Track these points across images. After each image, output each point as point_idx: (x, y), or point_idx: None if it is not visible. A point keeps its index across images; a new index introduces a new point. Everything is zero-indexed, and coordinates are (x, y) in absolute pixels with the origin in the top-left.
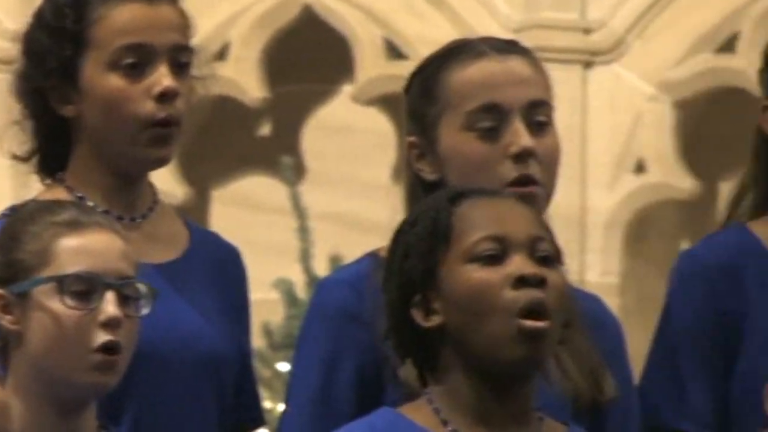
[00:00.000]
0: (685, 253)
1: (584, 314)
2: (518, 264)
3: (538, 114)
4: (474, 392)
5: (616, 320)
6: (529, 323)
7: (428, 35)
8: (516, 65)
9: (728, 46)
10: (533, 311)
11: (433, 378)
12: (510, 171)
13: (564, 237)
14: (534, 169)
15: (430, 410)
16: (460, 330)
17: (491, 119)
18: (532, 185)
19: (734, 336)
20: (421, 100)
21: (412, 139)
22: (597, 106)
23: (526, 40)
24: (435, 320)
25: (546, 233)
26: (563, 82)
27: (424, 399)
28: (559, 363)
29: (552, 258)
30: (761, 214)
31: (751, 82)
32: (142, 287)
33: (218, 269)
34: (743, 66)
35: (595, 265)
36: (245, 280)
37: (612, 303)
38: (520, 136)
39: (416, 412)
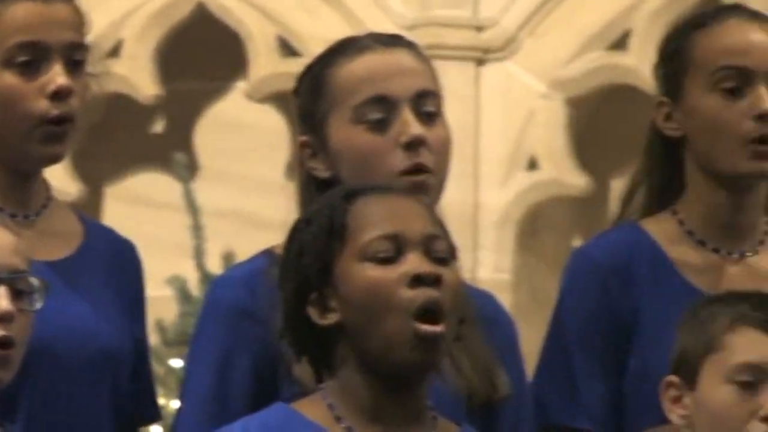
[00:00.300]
0: (577, 251)
1: (477, 312)
2: (414, 263)
3: (426, 104)
4: (368, 390)
5: (509, 317)
6: (424, 327)
7: (322, 33)
8: (401, 57)
9: (620, 43)
10: (429, 311)
11: (328, 375)
12: (402, 160)
13: (457, 234)
14: (426, 158)
15: (325, 406)
16: (356, 328)
17: (380, 111)
18: (424, 173)
19: (626, 334)
20: (310, 98)
21: (303, 138)
22: (489, 103)
23: (420, 38)
24: (331, 318)
25: (441, 230)
26: (456, 79)
27: (319, 395)
28: (453, 361)
29: (447, 256)
30: (653, 211)
31: (642, 79)
32: (34, 281)
33: (114, 264)
34: (635, 63)
35: (487, 262)
36: (141, 274)
37: (504, 300)
38: (410, 126)
39: (310, 408)
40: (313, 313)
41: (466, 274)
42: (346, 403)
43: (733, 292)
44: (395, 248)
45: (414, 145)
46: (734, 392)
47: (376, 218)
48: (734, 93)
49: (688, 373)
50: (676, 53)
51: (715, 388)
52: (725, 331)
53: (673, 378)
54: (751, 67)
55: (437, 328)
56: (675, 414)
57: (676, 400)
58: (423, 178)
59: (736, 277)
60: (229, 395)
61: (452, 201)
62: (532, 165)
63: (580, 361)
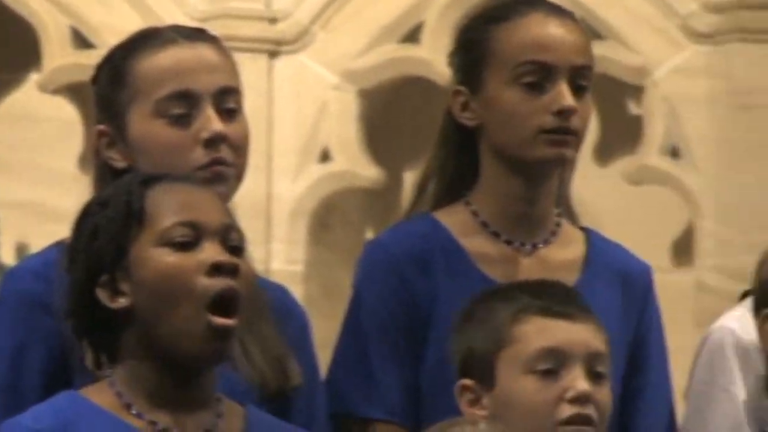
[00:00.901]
0: (371, 243)
1: (270, 303)
2: (212, 251)
3: (228, 101)
4: (155, 377)
5: (301, 309)
6: (218, 320)
7: (115, 24)
8: (206, 52)
9: (412, 36)
10: (225, 300)
11: (112, 361)
12: (202, 156)
13: (250, 226)
14: (226, 154)
15: (112, 393)
16: (146, 314)
17: (182, 106)
18: (223, 165)
19: (422, 324)
20: (110, 87)
21: (101, 127)
22: (282, 95)
23: (212, 30)
24: (122, 302)
25: (235, 223)
26: (249, 71)
27: (106, 382)
28: (245, 351)
29: (241, 246)
30: (446, 202)
31: (434, 71)
32: None
33: None
34: (427, 55)
35: (280, 254)
36: None
37: (297, 291)
38: (211, 122)
39: (98, 395)
40: (103, 295)
41: (258, 266)
42: (133, 390)
43: (504, 286)
44: (193, 236)
45: (214, 141)
46: (536, 381)
47: (174, 205)
48: (535, 87)
49: (483, 372)
50: (475, 44)
51: (516, 381)
52: (511, 324)
53: (467, 381)
54: (552, 62)
55: (230, 321)
56: (475, 417)
57: (474, 402)
58: (221, 169)
59: (529, 268)
60: (23, 386)
61: (245, 193)
62: (325, 157)
63: (376, 352)
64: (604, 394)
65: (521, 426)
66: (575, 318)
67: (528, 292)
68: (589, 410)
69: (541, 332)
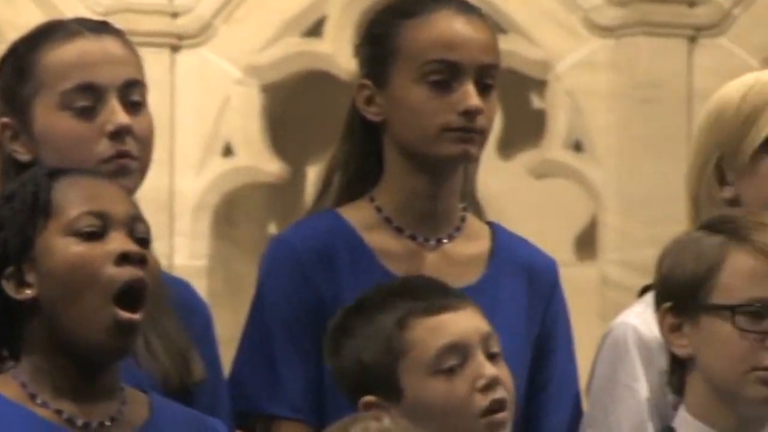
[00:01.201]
0: (275, 239)
1: (173, 298)
2: (120, 241)
3: (133, 93)
4: (60, 368)
5: (204, 304)
6: (123, 314)
7: (16, 19)
8: (111, 45)
9: (315, 30)
10: (132, 290)
11: (15, 353)
12: (107, 148)
13: (152, 220)
14: (131, 147)
15: (17, 385)
16: (52, 305)
17: (87, 98)
18: (128, 158)
19: (326, 321)
20: (14, 80)
21: (4, 120)
22: (185, 90)
23: (115, 24)
24: (28, 293)
25: (141, 215)
26: (151, 66)
27: (9, 374)
28: (148, 346)
29: (148, 238)
30: (350, 198)
31: (337, 66)
32: None
33: None
34: (330, 50)
35: (183, 249)
36: None
37: (200, 286)
38: (116, 115)
39: (3, 386)
40: (8, 287)
41: (162, 261)
42: (38, 381)
43: (372, 295)
44: (101, 226)
45: (120, 134)
46: (444, 381)
47: (81, 196)
48: (441, 86)
49: (386, 386)
50: (381, 39)
51: (424, 387)
52: (400, 333)
53: (370, 398)
54: (459, 61)
55: (135, 316)
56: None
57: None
58: (126, 162)
59: (433, 263)
60: None
61: (148, 187)
62: (228, 152)
63: (280, 349)
64: (505, 372)
65: (443, 428)
66: (458, 307)
67: (403, 296)
68: (501, 393)
69: (434, 332)
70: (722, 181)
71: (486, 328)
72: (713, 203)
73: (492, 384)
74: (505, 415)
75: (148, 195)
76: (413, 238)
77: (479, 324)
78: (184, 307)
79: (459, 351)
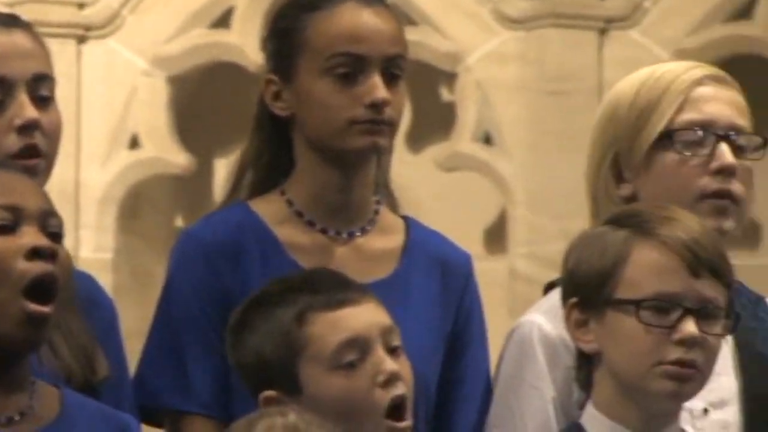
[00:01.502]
0: (184, 233)
1: (76, 293)
2: (31, 236)
3: (42, 88)
4: None
5: (109, 299)
6: (33, 307)
7: None
8: (20, 39)
9: (223, 21)
10: (43, 284)
11: None
12: (15, 142)
13: (59, 213)
14: (39, 141)
15: None
16: None
17: None
18: (36, 158)
19: None
20: None
21: None
22: (91, 81)
23: (21, 15)
24: None
25: (54, 209)
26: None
27: None
28: (51, 344)
29: (60, 233)
30: (261, 191)
31: (245, 57)
32: None
33: None
34: (237, 41)
35: (88, 242)
36: None
37: (105, 279)
38: (25, 109)
39: None
40: None
41: None
42: None
43: (269, 289)
44: (13, 219)
45: (28, 128)
46: (344, 376)
47: None
48: (347, 79)
49: (286, 380)
50: (288, 33)
51: (323, 382)
52: (299, 327)
53: (270, 393)
54: (365, 54)
55: (45, 309)
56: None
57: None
58: (35, 163)
59: (344, 257)
60: None
61: (53, 179)
62: (134, 143)
63: (188, 344)
64: (406, 367)
65: (344, 424)
66: (358, 301)
67: (302, 290)
68: (401, 389)
69: (333, 326)
70: (619, 178)
71: (387, 322)
72: (611, 201)
73: (392, 379)
74: (408, 424)
75: (54, 187)
76: (324, 231)
77: (380, 318)
78: (89, 301)
79: (358, 346)
